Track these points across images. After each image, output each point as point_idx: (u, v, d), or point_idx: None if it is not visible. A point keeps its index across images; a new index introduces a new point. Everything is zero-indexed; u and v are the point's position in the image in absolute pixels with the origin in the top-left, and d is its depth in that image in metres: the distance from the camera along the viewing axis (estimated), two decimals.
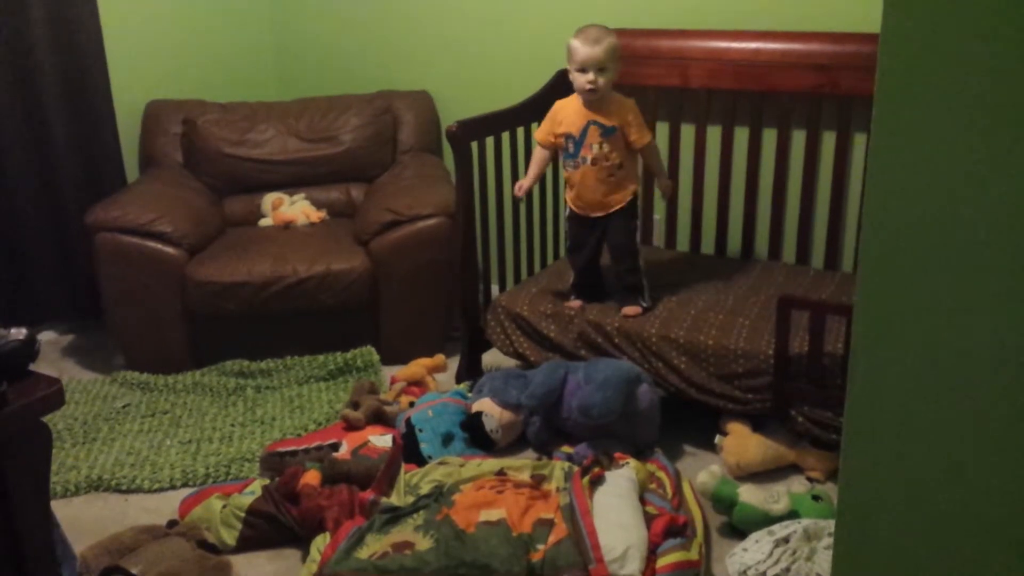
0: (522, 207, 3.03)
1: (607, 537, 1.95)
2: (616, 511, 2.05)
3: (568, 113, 2.66)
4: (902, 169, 1.06)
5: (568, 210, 2.76)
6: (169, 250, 3.06)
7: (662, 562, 1.95)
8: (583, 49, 2.54)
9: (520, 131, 2.97)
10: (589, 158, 2.63)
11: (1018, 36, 0.96)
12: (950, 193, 1.04)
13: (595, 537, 1.95)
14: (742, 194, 3.08)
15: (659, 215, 3.24)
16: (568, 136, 2.65)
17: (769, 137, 3.01)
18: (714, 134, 3.09)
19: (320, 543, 2.10)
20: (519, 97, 2.98)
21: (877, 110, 1.06)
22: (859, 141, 2.87)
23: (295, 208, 3.50)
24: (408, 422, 2.56)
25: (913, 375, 1.12)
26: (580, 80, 2.58)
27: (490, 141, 2.87)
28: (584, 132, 2.62)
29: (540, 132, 2.75)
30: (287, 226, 3.43)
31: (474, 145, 2.78)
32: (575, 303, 2.73)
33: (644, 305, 2.65)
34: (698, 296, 2.74)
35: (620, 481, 2.17)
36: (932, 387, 1.11)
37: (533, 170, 2.78)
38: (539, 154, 2.76)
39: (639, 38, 3.09)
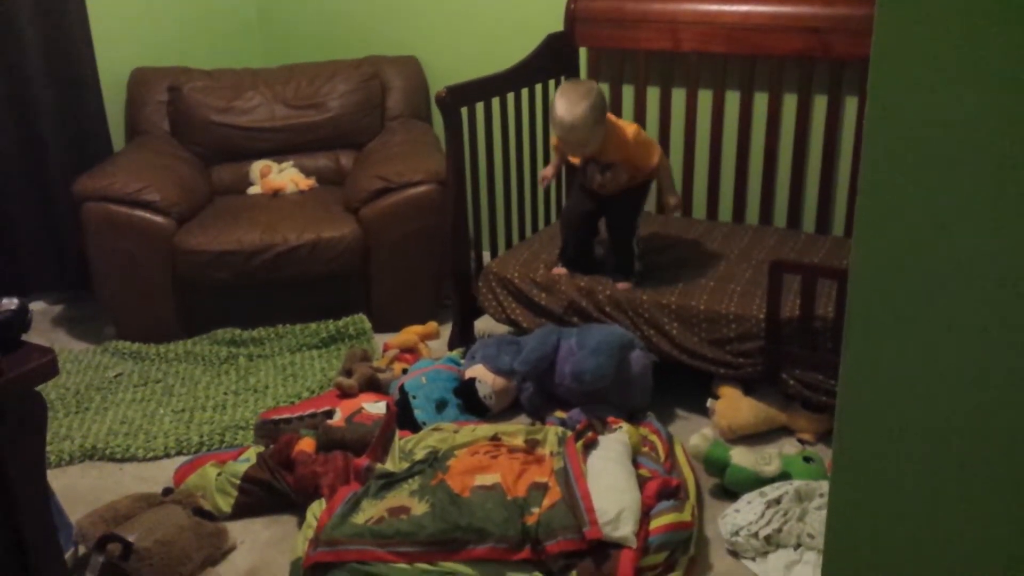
0: (513, 172, 3.02)
1: (601, 500, 1.96)
2: (609, 474, 2.06)
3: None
4: (898, 131, 1.06)
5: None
6: (157, 219, 3.04)
7: (655, 524, 1.96)
8: (561, 125, 2.45)
9: (510, 96, 2.95)
10: (594, 184, 2.63)
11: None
12: (947, 157, 1.04)
13: (589, 500, 1.97)
14: (733, 159, 3.08)
15: None
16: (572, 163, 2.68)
17: (760, 101, 3.00)
18: (705, 98, 3.07)
19: (316, 509, 2.11)
20: (509, 62, 2.96)
21: (873, 72, 1.05)
22: (851, 104, 2.86)
23: (284, 176, 3.47)
24: (401, 389, 2.57)
25: (907, 338, 1.13)
26: (564, 147, 2.55)
27: (480, 107, 2.84)
28: (584, 166, 2.63)
29: (553, 138, 2.71)
30: (276, 194, 3.41)
31: (464, 111, 2.76)
32: (560, 270, 2.73)
33: (633, 282, 2.64)
34: (689, 261, 2.75)
35: (613, 445, 2.19)
36: (926, 350, 1.12)
37: (555, 162, 2.78)
38: (557, 150, 2.75)
39: (629, 1, 3.06)
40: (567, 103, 2.45)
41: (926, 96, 1.03)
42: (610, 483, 2.03)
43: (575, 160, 2.66)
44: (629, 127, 2.62)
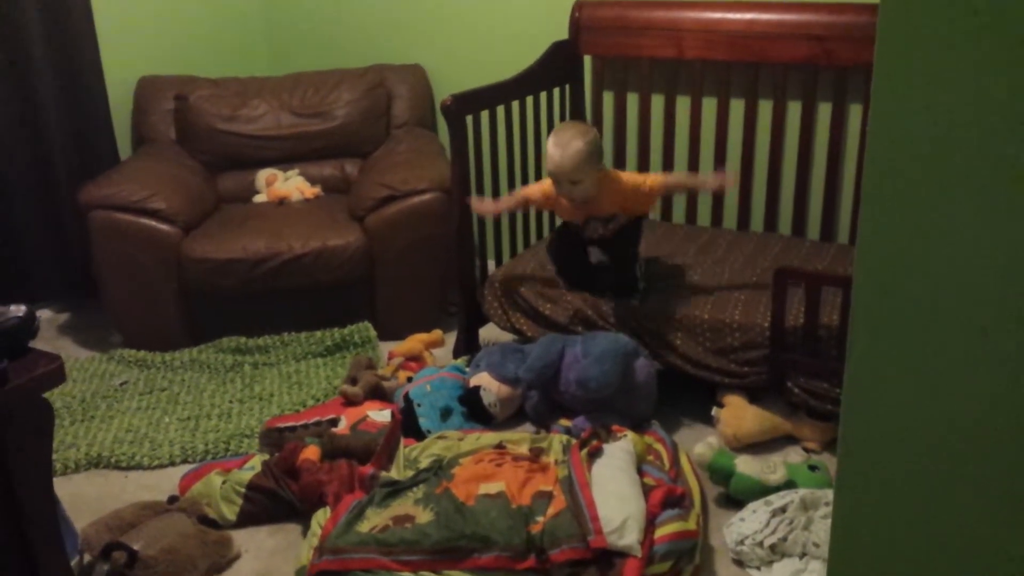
0: (517, 180, 3.02)
1: (605, 508, 1.96)
2: (614, 483, 2.06)
3: (562, 204, 2.61)
4: (901, 138, 1.06)
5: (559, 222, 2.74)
6: (164, 227, 3.05)
7: (660, 532, 1.96)
8: (552, 158, 2.44)
9: (515, 104, 2.96)
10: (596, 236, 2.63)
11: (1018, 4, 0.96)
12: (950, 163, 1.04)
13: (594, 509, 1.96)
14: (737, 166, 3.08)
15: None
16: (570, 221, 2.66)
17: (764, 108, 3.00)
18: (709, 106, 3.08)
19: (321, 517, 2.11)
20: (513, 70, 2.97)
21: (876, 79, 1.05)
22: (855, 112, 2.86)
23: (289, 184, 3.48)
24: (406, 397, 2.57)
25: (911, 345, 1.13)
26: (557, 187, 2.52)
27: (485, 115, 2.85)
28: (585, 224, 2.62)
29: (534, 190, 2.67)
30: (281, 202, 3.42)
31: (469, 119, 2.77)
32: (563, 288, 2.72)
33: (637, 299, 2.63)
34: (694, 270, 2.75)
35: (618, 453, 2.18)
36: (931, 358, 1.12)
37: (508, 202, 2.72)
38: (523, 198, 2.70)
39: (633, 9, 3.07)
40: (563, 138, 2.45)
41: (929, 103, 1.03)
42: (615, 491, 2.02)
43: (573, 216, 2.63)
44: (623, 174, 2.63)
